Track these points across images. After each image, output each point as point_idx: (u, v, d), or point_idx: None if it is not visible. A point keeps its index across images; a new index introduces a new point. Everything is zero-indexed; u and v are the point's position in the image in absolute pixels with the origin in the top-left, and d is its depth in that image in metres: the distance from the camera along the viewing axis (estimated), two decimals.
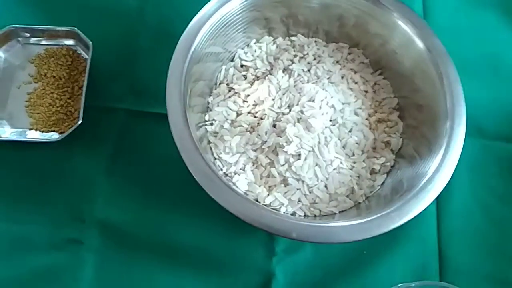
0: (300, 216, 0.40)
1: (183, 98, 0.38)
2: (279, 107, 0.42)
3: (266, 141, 0.41)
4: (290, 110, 0.42)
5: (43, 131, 0.43)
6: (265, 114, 0.42)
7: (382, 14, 0.43)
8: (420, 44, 0.42)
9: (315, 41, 0.48)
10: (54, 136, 0.43)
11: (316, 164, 0.41)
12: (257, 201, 0.40)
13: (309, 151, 0.41)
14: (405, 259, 0.41)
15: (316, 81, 0.44)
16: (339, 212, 0.41)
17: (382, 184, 0.43)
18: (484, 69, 0.51)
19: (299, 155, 0.40)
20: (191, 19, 0.41)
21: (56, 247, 0.40)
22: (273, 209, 0.40)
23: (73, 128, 0.41)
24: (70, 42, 0.47)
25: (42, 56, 0.46)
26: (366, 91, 0.46)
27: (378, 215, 0.35)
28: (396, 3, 0.43)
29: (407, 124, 0.45)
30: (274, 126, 0.42)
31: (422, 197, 0.36)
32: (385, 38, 0.45)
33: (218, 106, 0.44)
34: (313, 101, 0.42)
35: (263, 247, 0.42)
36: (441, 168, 0.37)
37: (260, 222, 0.34)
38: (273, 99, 0.43)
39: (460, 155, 0.38)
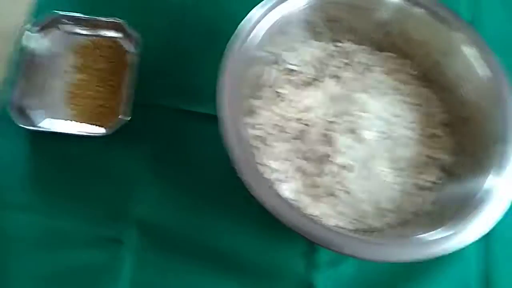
0: (348, 230, 0.39)
1: (235, 100, 0.37)
2: (328, 116, 0.41)
3: (314, 150, 0.40)
4: (340, 120, 0.41)
5: (83, 124, 0.42)
6: (314, 122, 0.41)
7: (444, 32, 0.42)
8: (478, 67, 0.41)
9: (363, 49, 0.47)
10: (99, 130, 0.42)
11: (365, 177, 0.39)
12: None
13: (359, 163, 0.39)
14: (451, 279, 0.40)
15: (367, 91, 0.43)
16: (387, 228, 0.40)
17: (430, 201, 0.41)
18: None
19: (348, 166, 0.39)
20: (240, 19, 0.40)
21: (95, 244, 0.39)
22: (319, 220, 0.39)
23: (121, 124, 0.40)
24: (114, 34, 0.45)
25: (86, 47, 0.44)
26: (417, 105, 0.45)
27: (439, 236, 0.34)
28: (458, 21, 0.42)
29: (455, 141, 0.44)
30: (323, 135, 0.41)
31: (484, 221, 0.34)
32: (435, 50, 0.44)
33: (263, 110, 0.43)
34: (365, 111, 0.40)
35: (304, 258, 0.40)
36: (500, 188, 0.36)
37: (312, 234, 0.33)
38: (322, 107, 0.41)
39: None
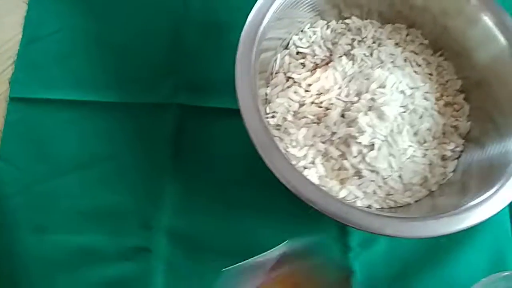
0: (377, 208, 0.39)
1: (253, 92, 0.36)
2: (346, 96, 0.40)
3: (335, 133, 0.39)
4: (359, 98, 0.40)
5: None
6: (332, 104, 0.40)
7: None
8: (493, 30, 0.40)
9: (371, 23, 0.46)
10: None
11: (390, 154, 0.39)
12: None
13: (383, 140, 0.39)
14: (483, 247, 0.40)
15: (381, 66, 0.42)
16: (414, 202, 0.40)
17: (453, 170, 0.41)
18: None
19: (372, 145, 0.38)
20: (244, 8, 0.38)
21: (123, 256, 0.38)
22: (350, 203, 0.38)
23: None
24: None
25: None
26: (431, 74, 0.44)
27: (473, 207, 0.34)
28: None
29: (472, 106, 0.43)
30: (343, 116, 0.40)
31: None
32: (440, 13, 0.43)
33: (278, 97, 0.42)
34: (384, 87, 0.39)
35: (337, 243, 0.40)
36: None
37: (349, 220, 0.33)
38: (339, 88, 0.40)
39: None
